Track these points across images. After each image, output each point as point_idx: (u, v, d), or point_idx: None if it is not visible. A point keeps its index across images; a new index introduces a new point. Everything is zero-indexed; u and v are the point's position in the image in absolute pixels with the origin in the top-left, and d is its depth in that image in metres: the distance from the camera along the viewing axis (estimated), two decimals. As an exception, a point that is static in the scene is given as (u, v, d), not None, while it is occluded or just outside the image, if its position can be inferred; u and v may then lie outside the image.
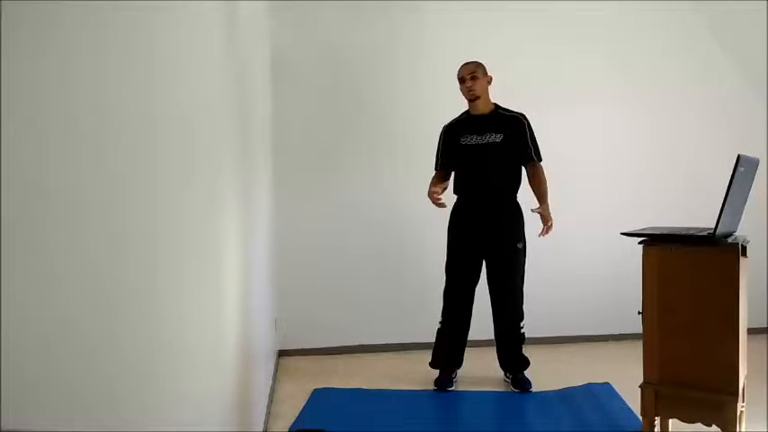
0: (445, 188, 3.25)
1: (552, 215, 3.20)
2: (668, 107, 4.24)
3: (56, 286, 0.59)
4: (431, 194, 3.17)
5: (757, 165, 2.22)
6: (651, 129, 4.23)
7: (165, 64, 1.03)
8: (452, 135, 3.28)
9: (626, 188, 4.19)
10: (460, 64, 3.27)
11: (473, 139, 3.20)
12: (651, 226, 2.60)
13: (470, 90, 3.20)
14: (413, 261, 3.94)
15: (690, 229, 2.33)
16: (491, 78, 3.25)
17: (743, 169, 2.03)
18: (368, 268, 3.97)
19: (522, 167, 3.25)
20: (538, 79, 4.04)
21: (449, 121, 3.35)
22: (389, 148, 3.98)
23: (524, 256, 3.22)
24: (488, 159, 3.17)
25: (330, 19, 3.91)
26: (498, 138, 3.18)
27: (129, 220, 0.81)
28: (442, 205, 3.16)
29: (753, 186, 2.26)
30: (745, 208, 2.25)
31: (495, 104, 3.27)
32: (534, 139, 3.23)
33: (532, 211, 3.20)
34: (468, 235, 3.21)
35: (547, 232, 3.21)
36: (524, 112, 3.27)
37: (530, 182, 3.26)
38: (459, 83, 3.25)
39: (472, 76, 3.20)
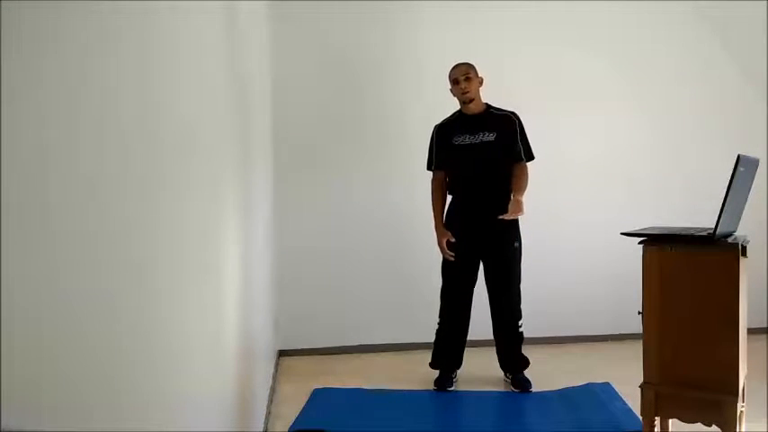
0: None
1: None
2: (669, 107, 4.24)
3: (56, 286, 0.59)
4: (440, 244, 3.21)
5: (757, 165, 2.22)
6: (651, 129, 4.23)
7: (166, 65, 1.03)
8: (444, 135, 3.27)
9: (626, 188, 4.18)
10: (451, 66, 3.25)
11: (466, 139, 3.19)
12: (651, 226, 2.60)
13: (465, 92, 3.19)
14: (413, 261, 3.94)
15: (690, 229, 2.33)
16: (482, 79, 3.24)
17: (743, 169, 2.03)
18: (368, 268, 3.97)
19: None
20: (538, 79, 4.04)
21: (441, 121, 3.33)
22: (389, 149, 3.98)
23: (520, 254, 3.23)
24: (482, 159, 3.16)
25: (329, 20, 3.91)
26: (491, 137, 3.17)
27: (128, 221, 0.81)
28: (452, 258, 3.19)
29: (753, 186, 2.26)
30: (745, 208, 2.25)
31: (487, 104, 3.27)
32: (525, 138, 3.22)
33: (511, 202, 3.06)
34: (465, 235, 3.20)
35: (512, 216, 3.07)
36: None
37: (512, 178, 3.18)
38: (452, 84, 3.24)
39: (466, 77, 3.18)
